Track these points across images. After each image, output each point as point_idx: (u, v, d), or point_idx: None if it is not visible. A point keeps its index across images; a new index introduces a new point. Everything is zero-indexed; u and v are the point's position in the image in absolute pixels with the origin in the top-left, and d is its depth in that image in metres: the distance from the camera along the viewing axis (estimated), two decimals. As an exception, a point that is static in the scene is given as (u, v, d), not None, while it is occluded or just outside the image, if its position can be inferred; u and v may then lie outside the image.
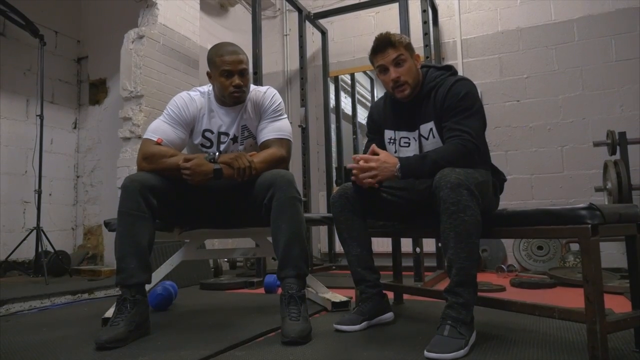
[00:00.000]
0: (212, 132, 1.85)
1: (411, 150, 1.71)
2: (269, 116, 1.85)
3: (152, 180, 1.66)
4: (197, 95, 1.87)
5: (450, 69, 1.70)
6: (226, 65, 1.74)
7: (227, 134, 1.85)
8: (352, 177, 1.61)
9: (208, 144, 1.85)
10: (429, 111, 1.65)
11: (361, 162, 1.57)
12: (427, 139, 1.66)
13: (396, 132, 1.75)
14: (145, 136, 1.78)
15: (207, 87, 1.91)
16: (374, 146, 1.63)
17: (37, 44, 3.26)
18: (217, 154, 1.71)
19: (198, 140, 1.85)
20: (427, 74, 1.70)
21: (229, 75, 1.75)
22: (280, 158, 1.78)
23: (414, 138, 1.70)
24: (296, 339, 1.45)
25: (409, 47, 1.67)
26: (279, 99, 1.89)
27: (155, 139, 1.74)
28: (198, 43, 3.83)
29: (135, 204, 1.61)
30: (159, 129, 1.78)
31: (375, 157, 1.56)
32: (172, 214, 1.84)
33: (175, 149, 1.75)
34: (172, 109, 1.82)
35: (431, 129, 1.64)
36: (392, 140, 1.77)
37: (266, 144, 1.81)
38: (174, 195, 1.73)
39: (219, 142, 1.85)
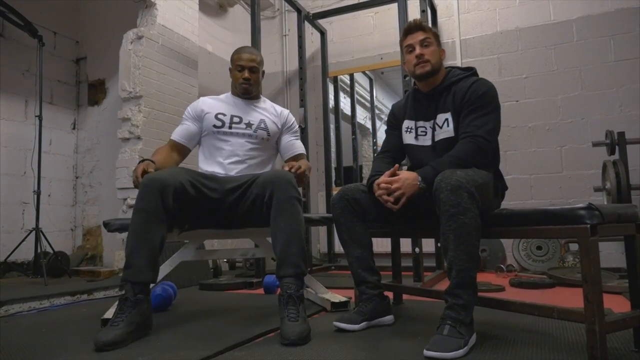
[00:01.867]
0: (224, 115, 2.08)
1: (427, 139, 1.78)
2: (294, 134, 2.21)
3: (171, 180, 1.67)
4: (204, 97, 2.18)
5: (472, 70, 1.80)
6: (240, 61, 2.07)
7: (240, 118, 2.08)
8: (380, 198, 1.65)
9: (219, 124, 2.06)
10: (448, 103, 1.73)
11: (383, 185, 1.62)
12: (441, 127, 1.73)
13: (415, 122, 1.83)
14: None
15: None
16: (395, 168, 1.67)
17: (35, 44, 3.25)
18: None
19: (212, 121, 2.06)
20: (450, 72, 1.80)
21: (241, 69, 2.07)
22: (309, 166, 2.08)
23: (430, 127, 1.78)
24: (296, 340, 1.45)
25: (437, 37, 1.80)
26: (296, 123, 2.26)
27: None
28: (197, 43, 3.82)
29: (153, 203, 1.62)
30: (174, 131, 2.11)
31: (395, 177, 1.61)
32: (186, 215, 1.83)
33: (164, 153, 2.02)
34: (186, 111, 2.15)
35: (447, 119, 1.71)
36: (409, 129, 1.84)
37: (299, 156, 2.17)
38: (189, 198, 1.75)
39: (232, 123, 2.06)
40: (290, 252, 1.63)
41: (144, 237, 1.61)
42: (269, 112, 2.15)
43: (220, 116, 2.06)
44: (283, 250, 1.63)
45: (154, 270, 1.63)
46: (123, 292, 1.58)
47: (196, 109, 2.10)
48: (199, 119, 2.08)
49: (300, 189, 1.78)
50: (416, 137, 1.81)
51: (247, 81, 2.06)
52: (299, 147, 2.18)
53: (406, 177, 1.59)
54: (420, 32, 1.76)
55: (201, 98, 2.17)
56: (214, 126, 2.04)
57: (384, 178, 1.64)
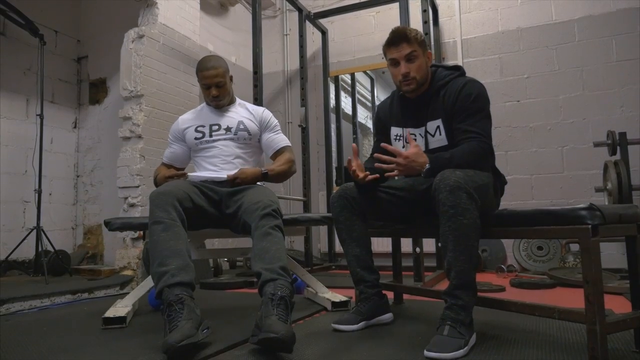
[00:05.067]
0: (203, 126, 2.13)
1: None
2: (273, 130, 2.20)
3: (177, 193, 1.73)
4: (182, 115, 2.26)
5: (459, 69, 1.73)
6: (205, 80, 2.09)
7: (218, 125, 2.12)
8: (354, 173, 1.62)
9: (200, 136, 2.12)
10: (437, 109, 1.67)
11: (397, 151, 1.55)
12: (433, 135, 1.68)
13: (403, 129, 1.77)
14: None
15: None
16: (409, 137, 1.62)
17: (37, 43, 3.25)
18: None
19: (192, 135, 2.13)
20: (436, 73, 1.73)
21: (208, 87, 2.10)
22: (292, 160, 2.16)
23: (420, 134, 1.72)
24: (285, 336, 1.24)
25: (422, 44, 1.70)
26: (275, 119, 2.26)
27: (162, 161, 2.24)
28: (198, 43, 3.82)
29: (167, 214, 1.63)
30: (164, 153, 2.25)
31: (405, 153, 1.52)
32: (192, 223, 1.83)
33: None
34: (169, 134, 2.24)
35: (438, 127, 1.67)
36: (398, 137, 1.80)
37: (281, 150, 2.18)
38: (196, 207, 1.80)
39: (212, 131, 2.11)
40: (278, 265, 1.51)
41: (167, 245, 1.55)
42: (245, 113, 2.18)
43: (200, 128, 2.12)
44: (269, 264, 1.51)
45: (189, 271, 1.52)
46: (161, 301, 1.46)
47: (177, 130, 2.19)
48: (182, 139, 2.17)
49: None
50: (404, 147, 1.76)
51: (216, 98, 2.10)
52: (279, 141, 2.18)
53: (415, 158, 1.51)
54: (405, 44, 1.64)
55: (180, 117, 2.24)
56: (195, 139, 2.11)
57: (394, 148, 1.56)
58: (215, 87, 2.08)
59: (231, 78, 2.17)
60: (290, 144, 2.23)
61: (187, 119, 2.20)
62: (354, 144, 1.71)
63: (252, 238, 1.65)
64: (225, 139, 2.09)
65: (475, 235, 1.39)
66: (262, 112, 2.21)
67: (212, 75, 2.07)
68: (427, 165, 1.51)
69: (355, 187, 1.74)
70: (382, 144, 1.61)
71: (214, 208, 1.90)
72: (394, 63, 1.70)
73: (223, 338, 1.53)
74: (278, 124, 2.24)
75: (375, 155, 1.62)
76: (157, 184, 2.06)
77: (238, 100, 2.24)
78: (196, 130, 2.12)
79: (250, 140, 2.13)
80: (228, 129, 2.10)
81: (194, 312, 1.41)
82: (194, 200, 1.80)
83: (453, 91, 1.64)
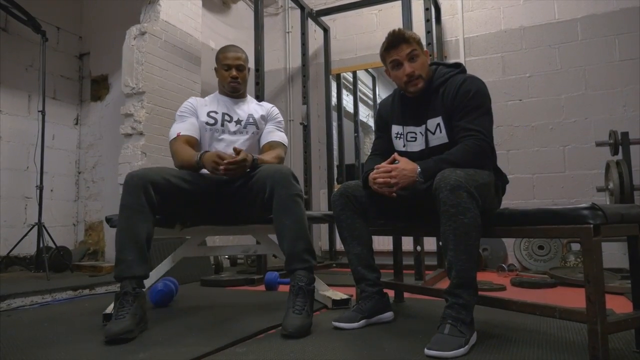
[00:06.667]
0: (216, 113, 2.11)
1: (418, 145, 1.73)
2: (275, 124, 2.20)
3: (153, 176, 1.70)
4: (198, 97, 2.24)
5: (459, 67, 1.73)
6: (226, 60, 2.11)
7: (230, 116, 2.12)
8: (373, 187, 1.62)
9: (212, 122, 2.08)
10: (437, 106, 1.67)
11: (376, 174, 1.59)
12: (433, 133, 1.68)
13: (404, 127, 1.77)
14: (170, 140, 2.05)
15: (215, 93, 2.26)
16: (395, 155, 1.65)
17: (39, 39, 3.25)
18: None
19: (203, 119, 2.08)
20: (436, 71, 1.73)
21: (228, 68, 2.11)
22: (282, 158, 2.11)
23: (420, 132, 1.72)
24: (293, 333, 1.50)
25: (420, 43, 1.70)
26: (282, 117, 2.28)
27: (175, 135, 2.02)
28: (200, 40, 3.82)
29: (135, 199, 1.65)
30: (176, 128, 2.06)
31: (394, 165, 1.57)
32: (175, 210, 1.88)
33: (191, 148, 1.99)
34: (181, 109, 2.13)
35: (438, 124, 1.67)
36: (399, 135, 1.80)
37: (273, 144, 2.14)
38: (176, 191, 1.77)
39: (224, 120, 2.10)
40: (299, 249, 1.67)
41: (130, 233, 1.65)
42: (255, 107, 2.20)
43: (212, 114, 2.10)
44: (291, 247, 1.67)
45: (144, 264, 1.65)
46: (120, 287, 1.62)
47: (192, 105, 2.12)
48: (196, 114, 2.10)
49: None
50: (405, 145, 1.76)
51: (235, 80, 2.10)
52: (276, 136, 2.15)
53: (404, 167, 1.56)
54: (404, 44, 1.65)
55: (191, 98, 2.19)
56: (207, 123, 2.08)
57: (383, 164, 1.61)
58: (236, 69, 2.11)
59: (249, 71, 2.21)
60: (286, 144, 2.18)
61: (200, 100, 2.16)
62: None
63: (273, 204, 1.69)
64: (234, 132, 2.09)
65: (476, 234, 1.39)
66: (271, 107, 2.25)
67: (234, 57, 2.11)
68: (417, 170, 1.54)
69: (358, 186, 1.74)
70: (377, 166, 1.62)
71: (207, 188, 1.86)
72: (396, 65, 1.69)
73: (223, 335, 1.53)
74: (282, 121, 2.26)
75: (372, 175, 1.62)
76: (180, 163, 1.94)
77: (249, 97, 2.27)
78: (208, 115, 2.08)
79: (257, 134, 2.15)
80: (238, 122, 2.12)
81: (141, 308, 1.58)
82: (174, 183, 1.75)
83: (452, 88, 1.64)
